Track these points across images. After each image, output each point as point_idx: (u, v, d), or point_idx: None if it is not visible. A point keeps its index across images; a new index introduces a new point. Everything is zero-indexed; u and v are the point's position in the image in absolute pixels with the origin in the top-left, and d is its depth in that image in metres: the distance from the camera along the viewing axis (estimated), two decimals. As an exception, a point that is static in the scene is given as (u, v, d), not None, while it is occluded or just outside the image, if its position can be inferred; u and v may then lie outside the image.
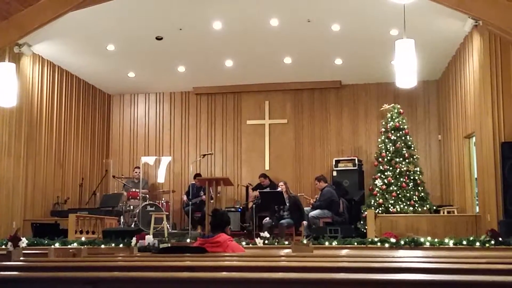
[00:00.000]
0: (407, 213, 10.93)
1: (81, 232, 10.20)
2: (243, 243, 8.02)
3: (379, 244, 7.98)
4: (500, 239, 7.54)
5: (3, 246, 7.95)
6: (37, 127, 11.73)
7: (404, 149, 11.63)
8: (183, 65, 12.94)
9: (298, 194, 12.09)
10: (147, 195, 13.12)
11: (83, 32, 10.86)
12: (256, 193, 12.30)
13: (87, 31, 10.81)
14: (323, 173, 12.57)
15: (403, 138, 11.75)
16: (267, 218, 11.48)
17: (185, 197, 13.28)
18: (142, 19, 10.38)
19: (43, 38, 10.92)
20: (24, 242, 7.74)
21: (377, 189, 11.46)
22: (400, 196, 11.20)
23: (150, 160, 13.14)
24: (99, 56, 12.22)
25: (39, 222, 10.44)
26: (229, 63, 12.67)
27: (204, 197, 12.69)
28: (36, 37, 10.56)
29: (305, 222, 11.18)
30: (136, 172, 13.55)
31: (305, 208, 11.49)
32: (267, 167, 14.05)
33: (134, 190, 12.88)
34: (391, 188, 11.32)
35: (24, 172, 11.16)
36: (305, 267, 3.19)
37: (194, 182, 13.07)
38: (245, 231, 12.08)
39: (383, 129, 12.04)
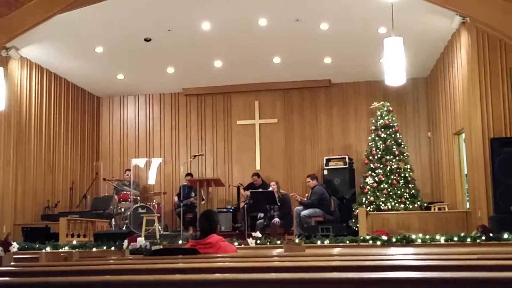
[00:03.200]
0: (398, 210, 10.96)
1: (72, 236, 10.14)
2: (235, 243, 8.02)
3: (371, 242, 8.00)
4: (491, 234, 7.59)
5: (-6, 251, 7.90)
6: (26, 131, 11.64)
7: (394, 146, 11.66)
8: (172, 66, 12.91)
9: (290, 194, 12.10)
10: (138, 197, 13.07)
11: (71, 35, 10.80)
12: (248, 192, 12.30)
13: (75, 34, 10.76)
14: (314, 172, 12.63)
15: (393, 135, 11.78)
16: (261, 214, 11.54)
17: (176, 199, 13.26)
18: (130, 20, 10.33)
19: (31, 42, 10.85)
20: (15, 246, 7.70)
21: (368, 187, 11.49)
22: (391, 193, 11.23)
23: (141, 162, 13.10)
24: (87, 59, 12.16)
25: (30, 226, 10.36)
26: (218, 63, 12.65)
27: (192, 199, 12.70)
28: (24, 40, 10.48)
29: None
30: (127, 175, 13.50)
31: (297, 208, 11.51)
32: (258, 167, 14.03)
33: (125, 192, 12.82)
34: (382, 185, 11.34)
35: (13, 176, 11.07)
36: (298, 267, 3.19)
37: (185, 184, 13.06)
38: (237, 232, 12.07)
39: (373, 127, 12.06)
